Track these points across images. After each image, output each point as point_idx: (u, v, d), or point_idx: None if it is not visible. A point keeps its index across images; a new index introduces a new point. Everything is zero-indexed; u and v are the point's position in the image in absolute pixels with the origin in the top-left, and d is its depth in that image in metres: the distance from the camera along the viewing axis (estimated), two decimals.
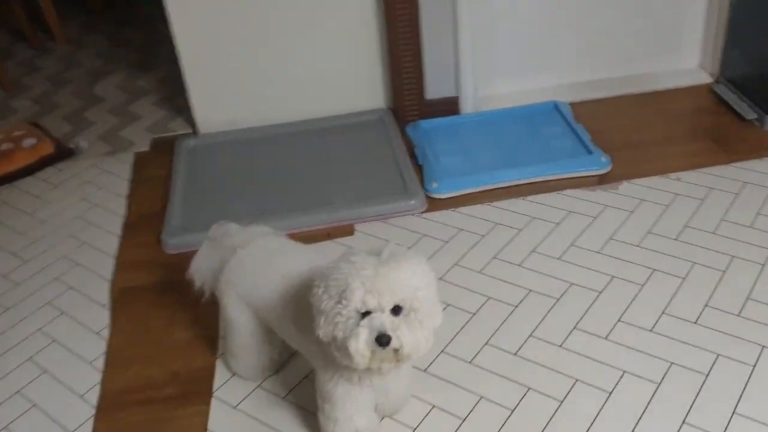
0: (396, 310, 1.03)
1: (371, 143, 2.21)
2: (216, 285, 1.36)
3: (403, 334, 1.02)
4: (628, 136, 2.14)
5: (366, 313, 1.02)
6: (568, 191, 1.92)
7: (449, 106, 2.31)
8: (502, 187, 1.96)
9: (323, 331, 1.06)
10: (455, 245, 1.76)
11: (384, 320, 1.02)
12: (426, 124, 2.26)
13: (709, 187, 1.87)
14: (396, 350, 1.03)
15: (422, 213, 1.90)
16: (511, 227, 1.80)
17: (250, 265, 1.32)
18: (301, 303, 1.16)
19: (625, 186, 1.92)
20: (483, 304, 1.57)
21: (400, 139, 2.20)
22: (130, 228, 1.97)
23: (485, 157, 2.09)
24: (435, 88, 2.28)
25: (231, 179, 2.11)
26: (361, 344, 1.02)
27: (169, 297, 1.68)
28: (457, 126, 2.27)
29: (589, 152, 2.02)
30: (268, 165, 2.15)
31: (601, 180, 1.96)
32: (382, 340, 1.01)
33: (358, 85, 2.33)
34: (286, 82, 2.28)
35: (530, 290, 1.59)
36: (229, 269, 1.33)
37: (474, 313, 1.54)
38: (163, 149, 2.33)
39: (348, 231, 1.87)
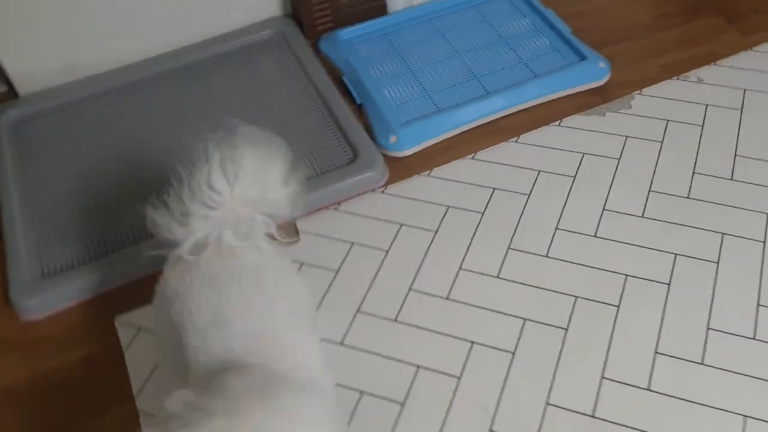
0: None
1: (277, 76, 1.57)
2: None
3: None
4: (611, 23, 1.64)
5: None
6: (569, 120, 1.43)
7: (374, 4, 1.68)
8: (479, 126, 1.44)
9: None
10: (448, 237, 1.26)
11: None
12: (347, 33, 1.64)
13: (740, 87, 1.45)
14: None
15: (385, 186, 1.36)
16: (514, 191, 1.31)
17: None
18: None
19: (637, 101, 1.46)
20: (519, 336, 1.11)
21: (318, 63, 1.58)
22: None
23: (444, 78, 1.53)
24: None
25: (87, 169, 1.43)
26: None
27: (56, 396, 1.10)
28: (390, 32, 1.66)
29: (581, 56, 1.52)
30: (139, 135, 1.48)
31: (603, 95, 1.48)
32: None
33: None
34: None
35: (576, 297, 1.15)
36: None
37: (512, 353, 1.09)
38: None
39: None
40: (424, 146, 1.41)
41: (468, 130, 1.43)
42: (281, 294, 0.86)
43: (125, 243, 1.28)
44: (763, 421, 0.99)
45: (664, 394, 1.02)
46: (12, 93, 1.60)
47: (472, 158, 1.38)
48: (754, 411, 1.00)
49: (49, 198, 1.36)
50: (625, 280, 1.16)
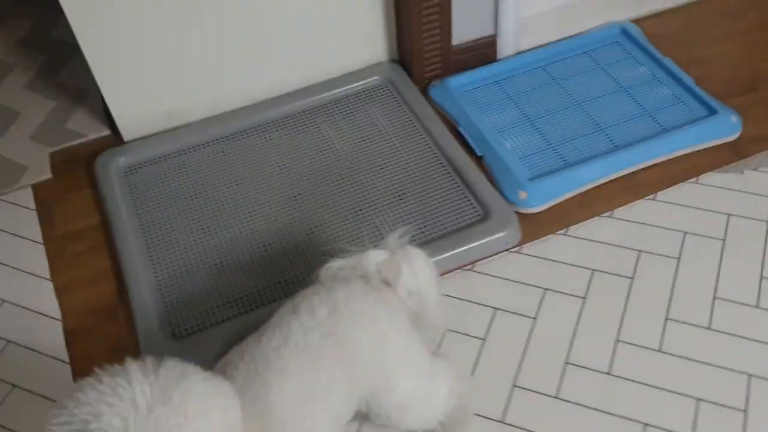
0: None
1: (387, 124, 1.51)
2: None
3: None
4: (734, 71, 1.58)
5: None
6: (707, 177, 1.37)
7: (484, 50, 1.63)
8: (611, 181, 1.38)
9: None
10: (599, 304, 1.19)
11: None
12: (457, 80, 1.59)
13: None
14: None
15: (519, 246, 1.30)
16: (662, 255, 1.25)
17: None
18: None
19: None
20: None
21: (431, 111, 1.53)
22: (76, 346, 1.23)
23: (567, 129, 1.47)
24: (465, 26, 1.58)
25: (206, 219, 1.37)
26: None
27: None
28: (503, 79, 1.61)
29: (710, 109, 1.46)
30: (252, 183, 1.42)
31: (737, 150, 1.42)
32: None
33: (341, 30, 1.57)
34: (241, 44, 1.49)
35: (750, 375, 1.08)
36: None
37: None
38: (74, 170, 1.52)
39: None
40: (555, 202, 1.35)
41: (600, 186, 1.37)
42: None
43: (261, 300, 1.22)
44: None
45: None
46: (115, 135, 1.55)
47: (610, 216, 1.32)
48: None
49: (173, 250, 1.31)
50: None
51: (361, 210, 1.35)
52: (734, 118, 1.44)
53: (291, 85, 1.59)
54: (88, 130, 1.60)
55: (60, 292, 1.30)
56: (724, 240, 1.26)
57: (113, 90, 1.46)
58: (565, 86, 1.57)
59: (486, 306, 1.20)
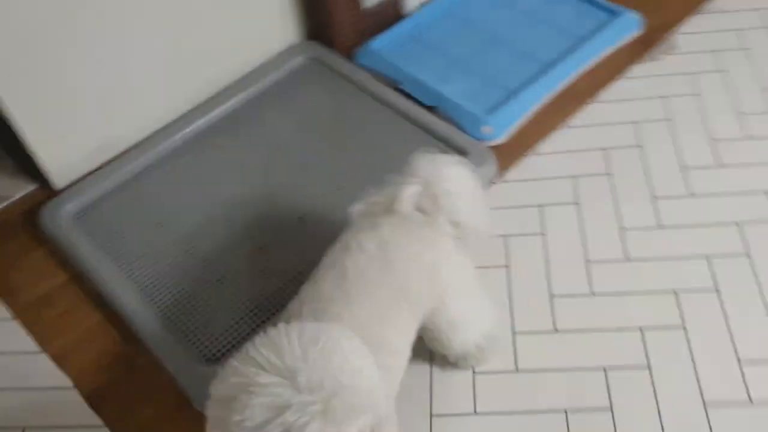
0: None
1: (332, 101, 1.52)
2: None
3: None
4: None
5: None
6: (632, 71, 1.51)
7: (391, 11, 1.67)
8: (554, 100, 1.48)
9: None
10: (591, 205, 1.29)
11: None
12: (378, 43, 1.61)
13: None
14: None
15: (502, 177, 1.36)
16: (624, 146, 1.37)
17: None
18: None
19: (682, 41, 1.56)
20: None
21: (372, 78, 1.54)
22: (106, 406, 1.14)
23: (497, 63, 1.55)
24: None
25: (183, 235, 1.30)
26: None
27: None
28: (420, 32, 1.65)
29: (612, 12, 1.60)
30: (220, 190, 1.37)
31: (644, 43, 1.57)
32: None
33: (252, 17, 1.53)
34: (154, 58, 1.41)
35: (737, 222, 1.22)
36: None
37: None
38: (14, 234, 1.38)
39: None
40: (514, 129, 1.43)
41: (546, 105, 1.46)
42: None
43: (280, 299, 1.19)
44: None
45: None
46: (47, 189, 1.43)
47: (567, 127, 1.42)
48: None
49: (165, 278, 1.24)
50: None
51: (342, 187, 1.35)
52: (634, 15, 1.59)
53: (217, 85, 1.54)
54: (10, 191, 1.46)
55: (59, 360, 1.20)
56: (672, 119, 1.40)
57: (38, 138, 1.34)
58: (478, 25, 1.65)
59: (497, 237, 1.25)
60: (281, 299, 1.19)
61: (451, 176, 0.94)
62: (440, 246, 0.94)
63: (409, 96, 1.50)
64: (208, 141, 1.46)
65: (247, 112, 1.51)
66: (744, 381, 1.04)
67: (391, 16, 1.67)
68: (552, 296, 1.17)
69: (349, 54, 1.62)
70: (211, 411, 0.71)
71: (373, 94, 1.50)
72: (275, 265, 1.24)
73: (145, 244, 1.29)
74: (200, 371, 1.11)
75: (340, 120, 1.47)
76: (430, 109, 1.48)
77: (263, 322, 1.17)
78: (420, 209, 0.94)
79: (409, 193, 0.92)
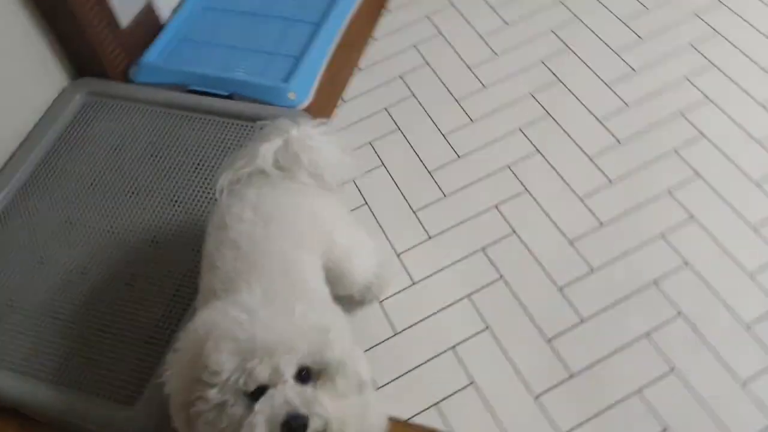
0: (303, 376, 0.71)
1: (130, 129, 1.47)
2: None
3: (323, 408, 0.70)
4: None
5: (257, 391, 0.69)
6: (390, 4, 1.64)
7: (149, 23, 1.64)
8: (337, 51, 1.57)
9: None
10: (411, 129, 1.40)
11: (289, 395, 0.69)
12: (149, 56, 1.59)
13: None
14: None
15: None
16: (417, 66, 1.50)
17: None
18: None
19: None
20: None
21: (151, 89, 1.51)
22: None
23: (268, 37, 1.60)
24: (123, 7, 1.56)
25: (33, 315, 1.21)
26: None
27: None
28: (187, 33, 1.65)
29: None
30: (55, 256, 1.28)
31: None
32: (294, 425, 0.68)
33: (7, 78, 1.44)
34: None
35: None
36: None
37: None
38: None
39: None
40: (314, 89, 1.50)
41: (330, 60, 1.54)
42: None
43: (169, 323, 1.16)
44: None
45: None
46: None
47: (360, 69, 1.52)
48: None
49: (38, 353, 1.15)
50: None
51: (178, 201, 1.33)
52: None
53: (5, 153, 1.43)
54: None
55: None
56: (441, 34, 1.56)
57: None
58: (237, 8, 1.68)
59: (347, 182, 1.32)
60: (172, 319, 1.17)
61: (309, 133, 1.00)
62: (309, 193, 0.99)
63: (204, 93, 1.51)
64: (19, 207, 1.35)
65: (50, 166, 1.42)
66: (588, 210, 1.22)
67: (152, 27, 1.64)
68: (415, 211, 1.27)
69: (125, 77, 1.58)
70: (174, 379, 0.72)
71: (169, 105, 1.48)
72: (150, 290, 1.20)
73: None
74: (123, 415, 1.06)
75: (149, 140, 1.44)
76: (229, 98, 1.50)
77: (166, 343, 1.13)
78: (279, 167, 0.98)
79: (270, 148, 0.96)
